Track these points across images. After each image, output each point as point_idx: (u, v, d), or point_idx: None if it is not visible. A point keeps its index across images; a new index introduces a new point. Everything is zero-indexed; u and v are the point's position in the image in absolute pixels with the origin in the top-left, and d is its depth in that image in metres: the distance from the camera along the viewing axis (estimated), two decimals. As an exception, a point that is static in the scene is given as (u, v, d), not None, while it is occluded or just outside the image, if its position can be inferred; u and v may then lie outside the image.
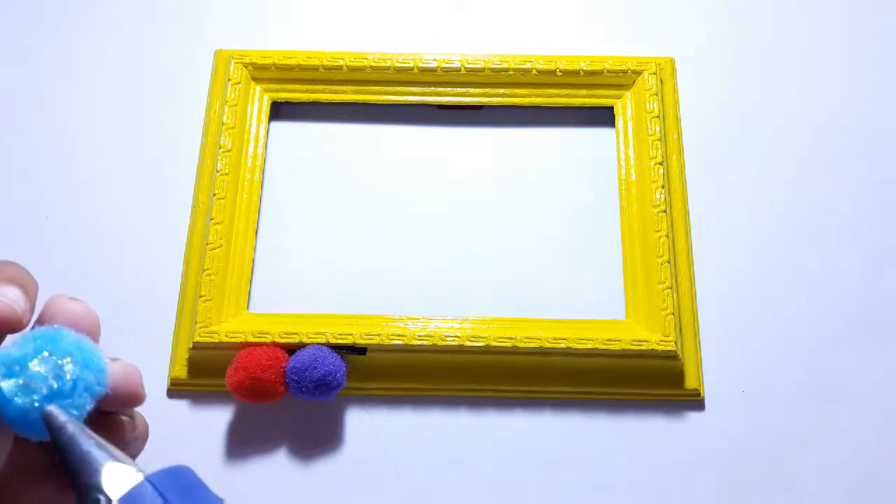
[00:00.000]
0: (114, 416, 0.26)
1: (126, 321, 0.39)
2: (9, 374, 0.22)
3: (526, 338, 0.37)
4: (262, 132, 0.43)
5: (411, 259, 0.41)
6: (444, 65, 0.43)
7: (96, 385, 0.24)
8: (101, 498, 0.22)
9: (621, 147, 0.42)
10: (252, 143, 0.42)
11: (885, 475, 0.37)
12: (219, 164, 0.41)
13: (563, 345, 0.37)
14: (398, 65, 0.43)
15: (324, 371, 0.35)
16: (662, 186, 0.40)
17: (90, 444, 0.23)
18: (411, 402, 0.38)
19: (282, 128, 0.44)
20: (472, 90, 0.43)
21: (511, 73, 0.43)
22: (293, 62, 0.43)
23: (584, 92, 0.43)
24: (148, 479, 0.23)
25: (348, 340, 0.36)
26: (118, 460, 0.23)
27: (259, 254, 0.41)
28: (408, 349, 0.37)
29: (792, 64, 0.46)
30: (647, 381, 0.37)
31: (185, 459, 0.36)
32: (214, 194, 0.40)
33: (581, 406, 0.38)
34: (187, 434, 0.37)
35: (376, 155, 0.43)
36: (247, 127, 0.42)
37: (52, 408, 0.23)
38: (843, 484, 0.36)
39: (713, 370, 0.38)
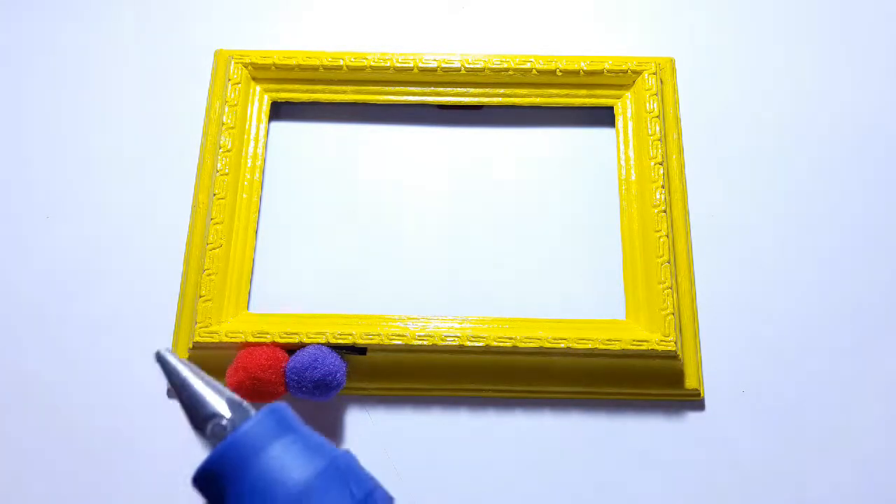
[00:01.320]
0: None
1: (126, 321, 0.39)
2: None
3: (526, 338, 0.37)
4: (262, 132, 0.43)
5: (411, 259, 0.41)
6: (444, 65, 0.43)
7: None
8: (225, 422, 0.27)
9: (621, 147, 0.42)
10: (252, 143, 0.42)
11: (887, 476, 0.37)
12: (219, 164, 0.41)
13: (563, 345, 0.37)
14: (398, 65, 0.43)
15: (324, 371, 0.35)
16: (662, 186, 0.40)
17: (202, 383, 0.27)
18: (411, 402, 0.38)
19: (282, 128, 0.44)
20: (472, 90, 0.43)
21: (511, 73, 0.43)
22: (293, 62, 0.43)
23: (584, 92, 0.43)
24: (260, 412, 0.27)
25: (348, 340, 0.36)
26: (232, 399, 0.27)
27: (259, 254, 0.41)
28: (408, 349, 0.37)
29: (792, 63, 0.46)
30: (647, 381, 0.38)
31: (185, 459, 0.36)
32: (214, 194, 0.40)
33: (581, 406, 0.38)
34: (187, 434, 0.37)
35: (376, 155, 0.43)
36: (247, 127, 0.42)
37: (164, 350, 0.28)
38: (844, 484, 0.36)
39: (713, 370, 0.39)
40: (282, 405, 0.28)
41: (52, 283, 0.40)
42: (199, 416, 0.27)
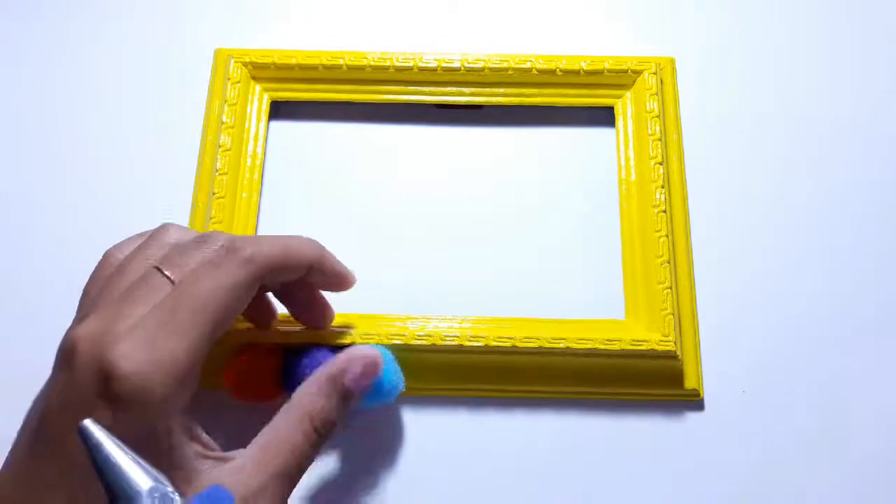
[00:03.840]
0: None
1: (125, 320, 0.39)
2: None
3: (525, 338, 0.37)
4: (262, 131, 0.43)
5: (411, 258, 0.41)
6: (443, 64, 0.43)
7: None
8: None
9: (621, 147, 0.42)
10: (251, 142, 0.42)
11: (887, 476, 0.37)
12: (218, 163, 0.41)
13: (562, 345, 0.37)
14: (398, 64, 0.43)
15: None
16: (662, 186, 0.40)
17: (129, 462, 0.23)
18: (410, 402, 0.38)
19: (281, 127, 0.44)
20: (471, 90, 0.43)
21: (511, 72, 0.43)
22: (293, 61, 0.43)
23: (584, 92, 0.43)
24: (189, 501, 0.24)
25: (347, 340, 0.36)
26: (158, 481, 0.23)
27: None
28: (407, 349, 0.36)
29: (793, 64, 0.46)
30: (646, 381, 0.37)
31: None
32: (214, 193, 0.40)
33: (580, 406, 0.38)
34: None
35: (376, 154, 0.43)
36: (246, 126, 0.42)
37: (88, 422, 0.23)
38: (845, 487, 0.36)
39: (713, 370, 0.38)
40: (220, 494, 0.27)
41: (51, 282, 0.40)
42: (120, 495, 0.24)
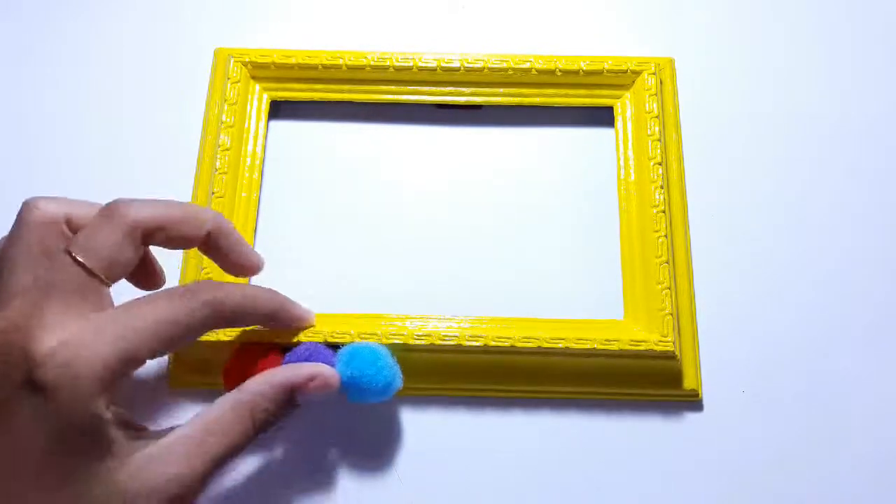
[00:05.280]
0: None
1: (124, 319, 0.39)
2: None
3: (524, 338, 0.37)
4: (262, 131, 0.43)
5: (410, 258, 0.41)
6: (443, 64, 0.43)
7: None
8: None
9: (621, 147, 0.42)
10: (251, 142, 0.42)
11: (887, 477, 0.37)
12: (218, 163, 0.41)
13: (561, 345, 0.37)
14: (397, 64, 0.43)
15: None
16: (662, 187, 0.40)
17: None
18: (409, 401, 0.38)
19: (281, 126, 0.44)
20: (471, 89, 0.43)
21: (510, 72, 0.43)
22: (292, 61, 0.43)
23: (583, 92, 0.43)
24: None
25: (346, 339, 0.36)
26: None
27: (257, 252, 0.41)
28: (406, 348, 0.36)
29: (793, 64, 0.46)
30: (645, 381, 0.37)
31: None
32: (213, 192, 0.40)
33: (579, 406, 0.38)
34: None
35: (375, 154, 0.43)
36: (246, 125, 0.42)
37: None
38: (846, 488, 0.36)
39: (711, 371, 0.38)
40: None
41: (50, 281, 0.40)
42: None
